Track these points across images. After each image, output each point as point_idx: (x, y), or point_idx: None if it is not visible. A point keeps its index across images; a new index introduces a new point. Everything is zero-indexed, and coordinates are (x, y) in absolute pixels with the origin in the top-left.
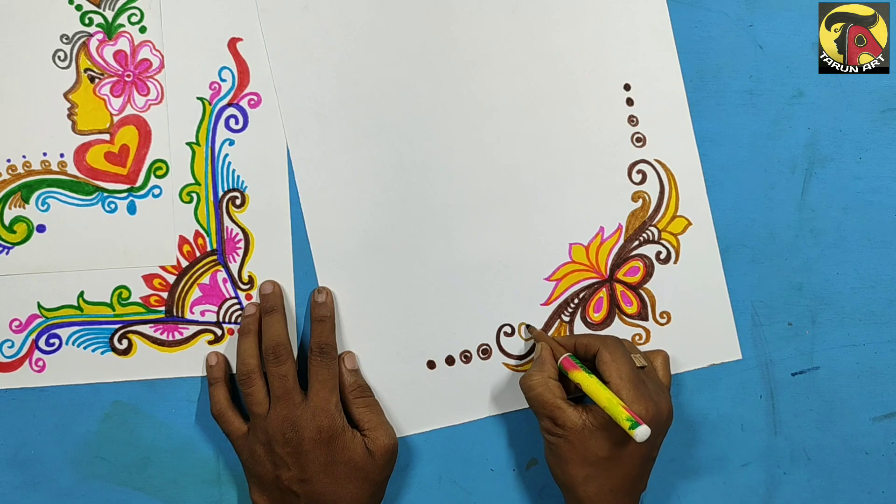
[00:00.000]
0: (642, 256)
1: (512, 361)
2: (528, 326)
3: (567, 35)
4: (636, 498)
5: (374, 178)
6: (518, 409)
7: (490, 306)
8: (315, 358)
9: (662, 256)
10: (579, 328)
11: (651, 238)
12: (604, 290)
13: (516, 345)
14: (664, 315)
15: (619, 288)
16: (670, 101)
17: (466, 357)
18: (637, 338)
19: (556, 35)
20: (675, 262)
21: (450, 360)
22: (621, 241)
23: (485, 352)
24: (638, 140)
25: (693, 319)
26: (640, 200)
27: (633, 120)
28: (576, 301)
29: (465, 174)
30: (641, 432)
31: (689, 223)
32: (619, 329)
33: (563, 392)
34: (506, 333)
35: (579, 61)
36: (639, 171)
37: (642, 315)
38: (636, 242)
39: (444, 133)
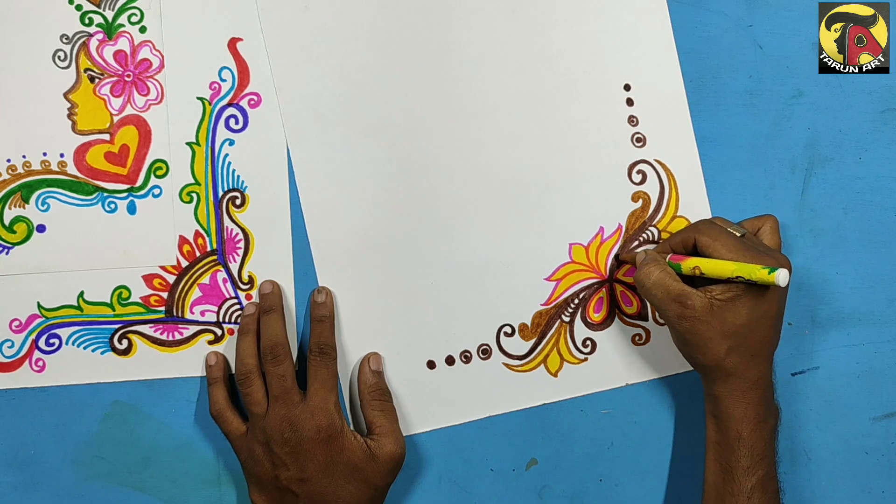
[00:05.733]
0: None
1: (512, 361)
2: (616, 256)
3: (567, 35)
4: (772, 357)
5: (374, 177)
6: (518, 410)
7: (490, 306)
8: (314, 358)
9: None
10: (579, 328)
11: (651, 238)
12: (604, 290)
13: (516, 345)
14: None
15: (618, 288)
16: (670, 102)
17: (466, 357)
18: (637, 338)
19: (557, 35)
20: None
21: (450, 361)
22: (621, 242)
23: (485, 352)
24: (638, 140)
25: None
26: (640, 201)
27: (633, 120)
28: (576, 301)
29: (465, 174)
30: (783, 275)
31: (689, 222)
32: (618, 329)
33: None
34: (506, 333)
35: (579, 61)
36: (639, 172)
37: (642, 315)
38: (636, 243)
39: (444, 133)
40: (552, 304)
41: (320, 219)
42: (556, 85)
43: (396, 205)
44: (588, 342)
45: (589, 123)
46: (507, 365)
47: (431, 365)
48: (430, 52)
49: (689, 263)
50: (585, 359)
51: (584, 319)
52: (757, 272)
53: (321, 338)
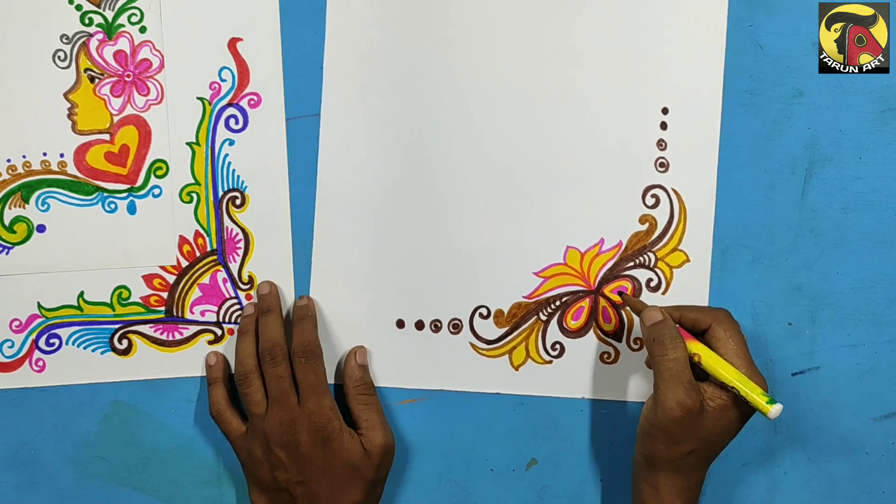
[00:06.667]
0: (633, 278)
1: (479, 343)
2: (621, 293)
3: (620, 42)
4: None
5: (394, 143)
6: (488, 392)
7: (472, 284)
8: (299, 361)
9: (653, 284)
10: (553, 330)
11: (646, 263)
12: (587, 300)
13: (488, 329)
14: (637, 341)
15: (602, 302)
16: (703, 136)
17: (436, 326)
18: (606, 355)
19: (611, 40)
20: (664, 293)
21: (419, 325)
22: (617, 258)
23: (455, 326)
24: (661, 165)
25: None
26: (647, 224)
27: (661, 144)
28: (557, 303)
29: (488, 155)
30: (776, 410)
31: (688, 259)
32: (591, 342)
33: None
34: (481, 315)
35: (626, 72)
36: (653, 195)
37: (617, 335)
38: (631, 263)
39: (477, 113)
40: (533, 299)
41: (333, 172)
42: (596, 90)
43: (409, 170)
44: (557, 346)
45: (618, 136)
46: (473, 345)
47: (401, 324)
48: (473, 37)
49: (692, 347)
50: (551, 361)
51: (560, 323)
52: (756, 395)
53: (303, 336)
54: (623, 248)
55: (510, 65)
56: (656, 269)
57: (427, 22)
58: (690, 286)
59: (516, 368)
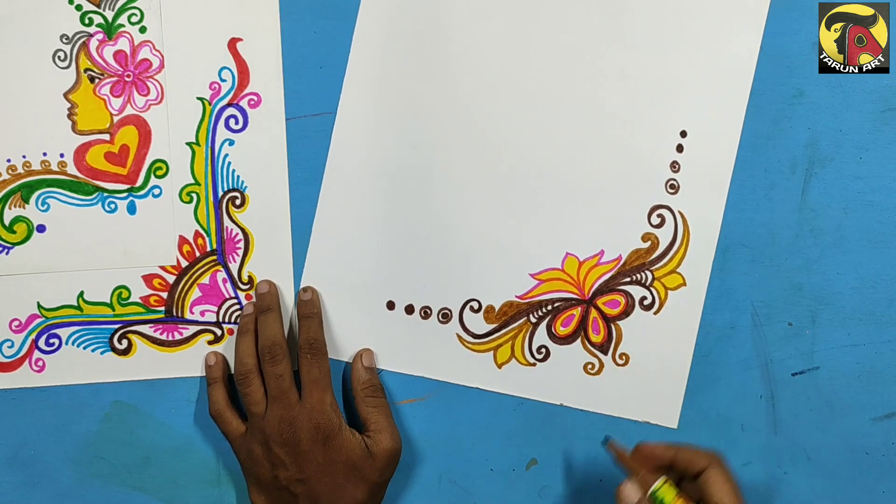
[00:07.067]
0: (627, 294)
1: (466, 336)
2: (609, 442)
3: (650, 61)
4: None
5: (408, 131)
6: (468, 385)
7: (467, 277)
8: (305, 356)
9: (646, 302)
10: (540, 334)
11: (643, 280)
12: (579, 309)
13: (477, 323)
14: (623, 356)
15: (593, 313)
16: (718, 164)
17: (426, 313)
18: (590, 366)
19: (640, 56)
20: (656, 313)
21: (409, 309)
22: (614, 272)
23: (445, 316)
24: (671, 187)
25: (648, 373)
26: (649, 242)
27: (675, 166)
28: (549, 307)
29: (498, 153)
30: None
31: (684, 283)
32: (577, 350)
33: None
34: (472, 308)
35: (652, 91)
36: (659, 215)
37: (604, 348)
38: (627, 279)
39: (493, 112)
40: (525, 300)
41: (343, 155)
42: (619, 102)
43: (419, 161)
44: (543, 350)
45: (634, 151)
46: (459, 337)
47: (391, 305)
48: (496, 39)
49: None
50: (534, 364)
51: (548, 327)
52: None
53: (310, 333)
54: (622, 262)
55: (533, 68)
56: (651, 288)
57: (453, 21)
58: (683, 310)
59: (499, 366)
